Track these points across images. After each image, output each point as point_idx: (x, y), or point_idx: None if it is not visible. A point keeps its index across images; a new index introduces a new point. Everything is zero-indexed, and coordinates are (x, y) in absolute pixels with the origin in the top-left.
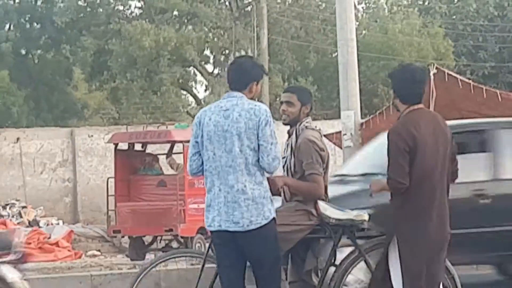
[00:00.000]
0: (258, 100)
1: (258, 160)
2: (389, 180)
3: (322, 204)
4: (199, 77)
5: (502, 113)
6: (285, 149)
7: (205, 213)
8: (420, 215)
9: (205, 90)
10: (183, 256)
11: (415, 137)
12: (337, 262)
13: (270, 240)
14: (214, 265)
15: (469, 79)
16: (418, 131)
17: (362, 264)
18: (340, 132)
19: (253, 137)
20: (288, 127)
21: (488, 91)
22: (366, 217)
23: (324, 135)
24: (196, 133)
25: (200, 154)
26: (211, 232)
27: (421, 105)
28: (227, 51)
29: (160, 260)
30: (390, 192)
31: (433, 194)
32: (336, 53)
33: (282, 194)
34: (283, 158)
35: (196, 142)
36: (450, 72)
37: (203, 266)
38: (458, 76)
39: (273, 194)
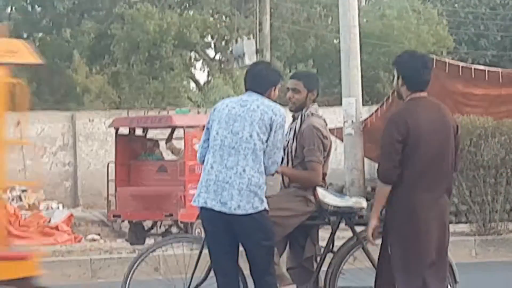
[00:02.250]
0: None
1: (263, 150)
2: (378, 169)
3: (320, 191)
4: (200, 62)
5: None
6: (287, 132)
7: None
8: (414, 205)
9: (207, 76)
10: (182, 241)
11: (408, 127)
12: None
13: (260, 230)
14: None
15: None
16: (414, 120)
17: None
18: (341, 128)
19: (264, 129)
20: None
21: (477, 70)
22: (365, 204)
23: None
24: (210, 119)
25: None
26: (200, 210)
27: (424, 93)
28: (228, 37)
29: (159, 245)
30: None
31: (431, 185)
32: (337, 40)
33: (280, 180)
34: (285, 141)
35: (207, 129)
36: (452, 62)
37: (201, 251)
38: (446, 60)
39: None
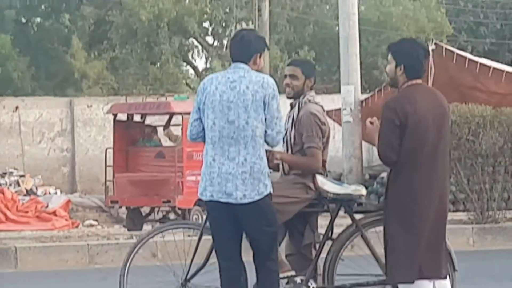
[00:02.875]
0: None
1: (263, 132)
2: (379, 153)
3: (320, 178)
4: (199, 48)
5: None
6: (286, 121)
7: (200, 182)
8: (412, 190)
9: (205, 62)
10: (180, 227)
11: (407, 112)
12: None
13: (264, 216)
14: (211, 237)
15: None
16: (412, 106)
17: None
18: (339, 109)
19: (259, 110)
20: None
21: (482, 65)
22: (364, 192)
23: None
24: (200, 100)
25: (201, 120)
26: (206, 202)
27: (420, 80)
28: (226, 23)
29: (157, 231)
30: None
31: (429, 170)
32: (336, 27)
33: (281, 167)
34: (284, 129)
35: (199, 108)
36: (448, 47)
37: (200, 237)
38: (455, 50)
39: (270, 167)
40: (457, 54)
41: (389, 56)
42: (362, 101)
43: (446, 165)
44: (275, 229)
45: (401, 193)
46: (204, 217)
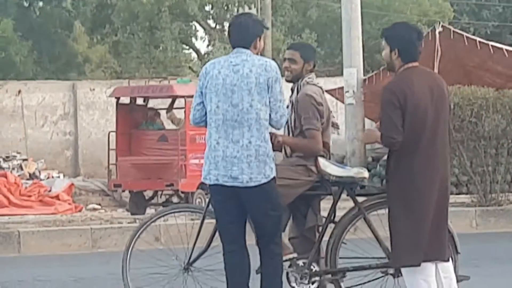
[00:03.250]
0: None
1: (267, 115)
2: (382, 136)
3: (322, 161)
4: (201, 32)
5: (507, 68)
6: (287, 105)
7: (203, 166)
8: (412, 173)
9: (207, 45)
10: (183, 211)
11: (406, 94)
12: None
13: (269, 199)
14: (214, 220)
15: None
16: (410, 88)
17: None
18: (342, 87)
19: (263, 92)
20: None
21: (494, 47)
22: (367, 175)
23: (326, 91)
24: (203, 84)
25: (204, 105)
26: (209, 186)
27: (416, 63)
28: (229, 6)
29: (160, 215)
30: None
31: (430, 152)
32: (338, 9)
33: (283, 150)
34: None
35: (201, 92)
36: (456, 30)
37: (202, 221)
38: (463, 33)
39: (274, 150)
40: (466, 36)
41: (383, 42)
42: (365, 80)
43: (446, 147)
44: (280, 213)
45: (402, 177)
46: (207, 200)
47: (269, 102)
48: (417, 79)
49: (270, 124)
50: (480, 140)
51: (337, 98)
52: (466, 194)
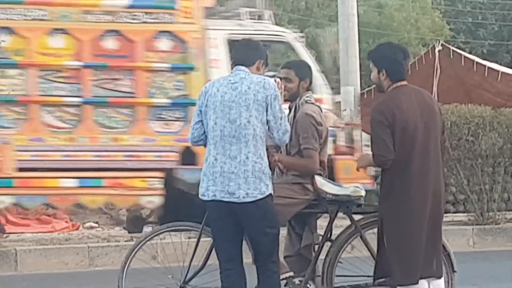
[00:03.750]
0: None
1: (264, 133)
2: (373, 156)
3: (319, 179)
4: None
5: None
6: None
7: (200, 182)
8: (407, 191)
9: None
10: (179, 229)
11: (394, 113)
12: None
13: (266, 216)
14: (210, 239)
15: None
16: (399, 107)
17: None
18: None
19: (261, 109)
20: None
21: (490, 68)
22: (363, 193)
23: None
24: (202, 102)
25: (203, 123)
26: (206, 202)
27: (405, 82)
28: None
29: (157, 233)
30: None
31: (422, 169)
32: (336, 29)
33: (277, 168)
34: None
35: (200, 111)
36: (455, 49)
37: (198, 239)
38: (462, 52)
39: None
40: (464, 56)
41: (371, 64)
42: (362, 93)
43: (439, 164)
44: (277, 230)
45: (395, 195)
46: (204, 218)
47: (270, 120)
48: (405, 97)
49: (273, 141)
50: (477, 159)
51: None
52: (463, 212)
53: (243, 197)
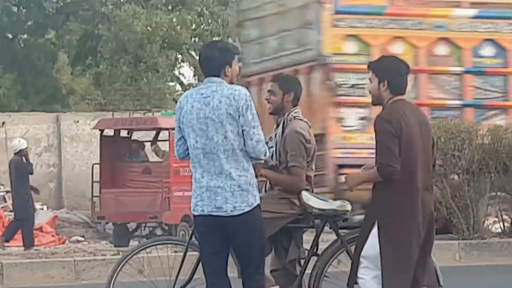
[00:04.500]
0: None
1: (243, 145)
2: (380, 165)
3: (305, 194)
4: (187, 64)
5: None
6: (271, 138)
7: (191, 198)
8: (406, 206)
9: (193, 76)
10: (166, 243)
11: (401, 126)
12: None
13: (254, 228)
14: (196, 253)
15: None
16: (404, 119)
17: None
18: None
19: (235, 123)
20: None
21: None
22: (349, 208)
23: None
24: (179, 118)
25: (185, 139)
26: (195, 217)
27: (404, 97)
28: (216, 37)
29: (143, 247)
30: (372, 183)
31: (416, 185)
32: None
33: (265, 183)
34: (270, 148)
35: (179, 127)
36: None
37: (185, 253)
38: None
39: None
40: None
41: (370, 74)
42: None
43: (431, 179)
44: (264, 242)
45: (396, 211)
46: (190, 232)
47: (244, 130)
48: (407, 111)
49: (247, 152)
50: (463, 174)
51: None
52: (450, 227)
53: (231, 211)
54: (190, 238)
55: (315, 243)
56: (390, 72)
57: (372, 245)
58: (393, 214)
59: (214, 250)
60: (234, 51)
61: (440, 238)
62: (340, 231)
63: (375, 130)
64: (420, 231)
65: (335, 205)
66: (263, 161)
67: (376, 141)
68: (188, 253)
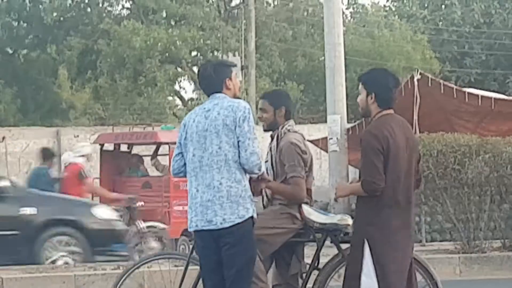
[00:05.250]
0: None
1: (238, 157)
2: (364, 181)
3: (306, 208)
4: (186, 79)
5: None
6: (267, 152)
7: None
8: (389, 219)
9: (193, 91)
10: (166, 258)
11: (388, 141)
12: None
13: (244, 240)
14: (197, 267)
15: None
16: (391, 134)
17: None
18: (326, 138)
19: (231, 134)
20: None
21: (470, 94)
22: (350, 221)
23: (310, 141)
24: (181, 135)
25: (182, 155)
26: (193, 232)
27: (392, 111)
28: (215, 53)
29: (144, 261)
30: (357, 196)
31: (400, 199)
32: (323, 58)
33: (264, 195)
34: (265, 162)
35: (180, 143)
36: (433, 78)
37: (186, 267)
38: (441, 81)
39: (254, 194)
40: (444, 84)
41: (360, 86)
42: (348, 129)
43: (413, 193)
44: (253, 255)
45: (381, 224)
46: (191, 247)
47: (239, 141)
48: (395, 125)
49: (241, 163)
50: (463, 187)
51: (321, 148)
52: (450, 241)
53: (220, 223)
54: (191, 252)
55: (316, 257)
56: (377, 85)
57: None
58: (379, 227)
59: (212, 265)
60: (229, 65)
61: (440, 252)
62: (341, 245)
63: (361, 144)
64: (409, 243)
65: (335, 219)
66: (256, 176)
67: (361, 156)
68: (189, 268)
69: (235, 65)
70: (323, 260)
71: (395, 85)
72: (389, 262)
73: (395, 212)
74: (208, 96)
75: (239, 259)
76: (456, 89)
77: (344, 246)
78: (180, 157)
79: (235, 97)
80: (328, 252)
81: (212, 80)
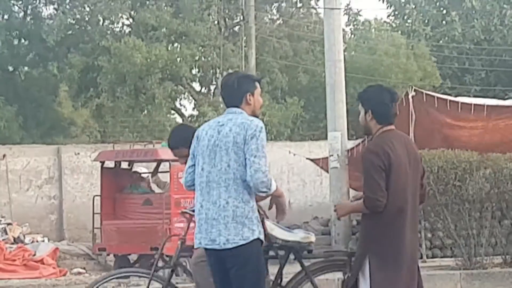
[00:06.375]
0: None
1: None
2: (366, 198)
3: (269, 224)
4: (187, 95)
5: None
6: None
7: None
8: (394, 236)
9: (193, 109)
10: (131, 275)
11: (390, 157)
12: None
13: (251, 262)
14: (160, 285)
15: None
16: (393, 151)
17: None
18: (326, 157)
19: (240, 152)
20: None
21: (463, 103)
22: (313, 239)
23: (311, 159)
24: (194, 146)
25: (195, 167)
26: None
27: (393, 126)
28: (216, 70)
29: (106, 279)
30: (361, 213)
31: (405, 215)
32: (324, 74)
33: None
34: None
35: (193, 155)
36: (428, 92)
37: (148, 285)
38: (435, 94)
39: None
40: (437, 97)
41: (359, 105)
42: (348, 150)
43: (417, 210)
44: (261, 278)
45: (386, 242)
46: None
47: (245, 159)
48: (396, 141)
49: (247, 181)
50: (464, 203)
51: (321, 167)
52: (451, 257)
53: (224, 244)
54: (153, 270)
55: (279, 274)
56: (373, 101)
57: None
58: (382, 244)
59: (222, 282)
60: (255, 79)
61: (441, 268)
62: (304, 261)
63: (362, 161)
64: (414, 261)
65: (299, 236)
66: (264, 195)
67: (363, 173)
68: (152, 286)
69: (259, 80)
70: (286, 278)
71: (391, 100)
72: (384, 281)
73: (399, 228)
74: (227, 107)
75: (248, 281)
76: (449, 100)
77: (307, 263)
78: (193, 169)
79: (253, 114)
80: (291, 270)
81: (233, 92)
